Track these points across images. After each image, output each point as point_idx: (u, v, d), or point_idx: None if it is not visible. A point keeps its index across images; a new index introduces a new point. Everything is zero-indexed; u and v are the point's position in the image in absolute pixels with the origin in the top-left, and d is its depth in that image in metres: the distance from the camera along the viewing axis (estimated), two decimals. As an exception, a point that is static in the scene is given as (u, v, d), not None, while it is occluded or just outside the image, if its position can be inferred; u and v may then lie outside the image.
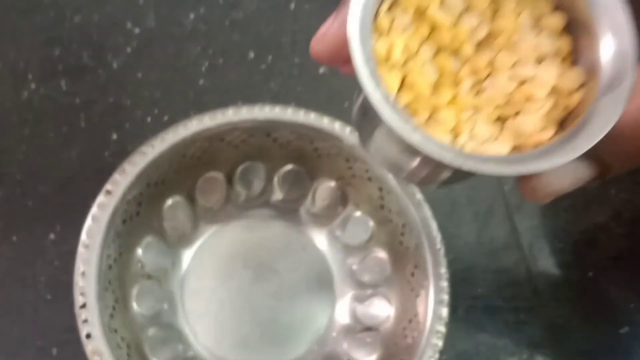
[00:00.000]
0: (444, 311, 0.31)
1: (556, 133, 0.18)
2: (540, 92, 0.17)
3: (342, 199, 0.37)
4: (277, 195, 0.37)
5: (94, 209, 0.30)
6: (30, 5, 0.42)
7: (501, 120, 0.18)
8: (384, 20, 0.18)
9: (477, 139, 0.18)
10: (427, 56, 0.18)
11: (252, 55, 0.43)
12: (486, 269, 0.39)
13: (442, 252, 0.32)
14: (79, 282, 0.28)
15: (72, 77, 0.41)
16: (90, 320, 0.27)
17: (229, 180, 0.37)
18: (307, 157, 0.36)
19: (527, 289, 0.39)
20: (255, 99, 0.41)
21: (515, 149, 0.18)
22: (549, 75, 0.18)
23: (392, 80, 0.18)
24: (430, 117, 0.18)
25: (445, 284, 0.31)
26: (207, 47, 0.42)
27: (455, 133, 0.18)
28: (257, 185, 0.37)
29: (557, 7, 0.18)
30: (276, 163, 0.37)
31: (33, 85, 0.40)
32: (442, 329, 0.30)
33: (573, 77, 0.18)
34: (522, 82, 0.18)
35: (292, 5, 0.44)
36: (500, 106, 0.18)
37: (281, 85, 0.42)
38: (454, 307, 0.32)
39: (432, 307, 0.31)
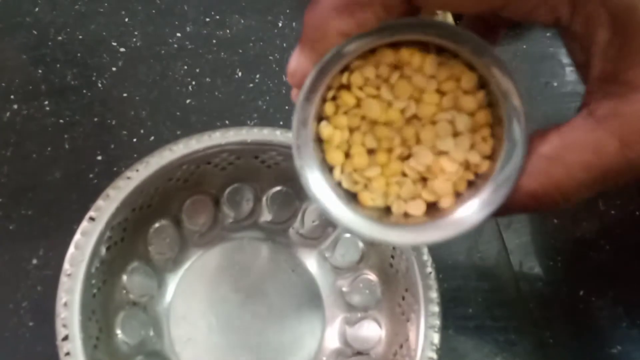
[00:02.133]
0: (436, 337, 0.30)
1: (462, 193, 0.21)
2: (451, 166, 0.21)
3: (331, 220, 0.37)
4: (266, 216, 0.37)
5: (77, 236, 0.29)
6: (13, 24, 0.42)
7: (423, 181, 0.22)
8: (329, 107, 0.21)
9: (402, 198, 0.21)
10: (365, 132, 0.21)
11: (239, 73, 0.42)
12: (476, 288, 0.39)
13: (432, 275, 0.32)
14: (61, 313, 0.27)
15: (55, 97, 0.40)
16: (73, 353, 0.27)
17: (216, 202, 0.36)
18: (295, 178, 0.35)
19: (517, 308, 0.39)
20: (242, 118, 0.41)
21: (432, 207, 0.21)
22: (460, 151, 0.21)
23: (337, 158, 0.21)
24: (366, 185, 0.22)
25: (436, 308, 0.31)
26: (193, 66, 0.42)
27: (386, 194, 0.22)
28: (245, 206, 0.36)
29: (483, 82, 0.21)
30: (264, 184, 0.36)
31: (15, 106, 0.39)
32: (434, 355, 0.30)
33: (482, 151, 0.21)
34: (440, 154, 0.21)
35: (280, 23, 0.44)
36: (421, 172, 0.21)
37: (269, 104, 0.42)
38: (444, 327, 0.32)
39: (423, 332, 0.31)
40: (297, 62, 0.20)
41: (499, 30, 0.23)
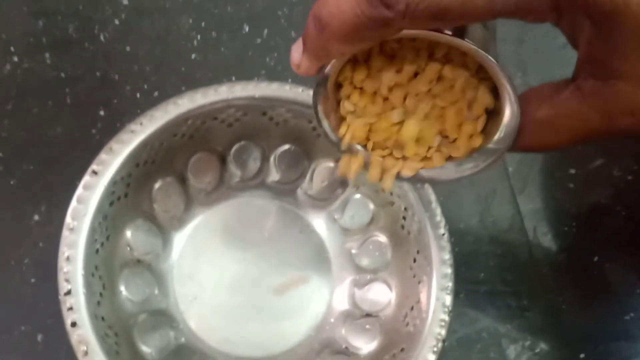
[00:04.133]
0: (448, 299, 0.29)
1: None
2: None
3: (341, 181, 0.36)
4: (274, 176, 0.36)
5: (80, 190, 0.28)
6: (12, -26, 0.40)
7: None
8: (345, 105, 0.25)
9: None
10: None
11: (246, 28, 0.41)
12: (488, 252, 0.38)
13: (446, 237, 0.31)
14: (63, 267, 0.27)
15: (57, 50, 0.39)
16: (75, 308, 0.26)
17: (223, 160, 0.35)
18: (304, 137, 0.35)
19: (530, 273, 0.38)
20: (250, 75, 0.40)
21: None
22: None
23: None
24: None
25: (449, 270, 0.30)
26: (199, 20, 0.41)
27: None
28: (253, 165, 0.35)
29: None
30: (272, 142, 0.35)
31: (16, 59, 0.38)
32: (445, 317, 0.29)
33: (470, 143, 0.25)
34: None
35: (289, -24, 0.42)
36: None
37: (277, 60, 0.40)
38: (455, 291, 0.31)
39: (435, 294, 0.30)
40: (301, 60, 0.22)
41: None
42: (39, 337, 0.33)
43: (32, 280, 0.34)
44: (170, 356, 0.30)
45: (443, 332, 0.29)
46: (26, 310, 0.33)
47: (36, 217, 0.35)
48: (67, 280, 0.26)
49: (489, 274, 0.37)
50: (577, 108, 0.21)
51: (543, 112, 0.22)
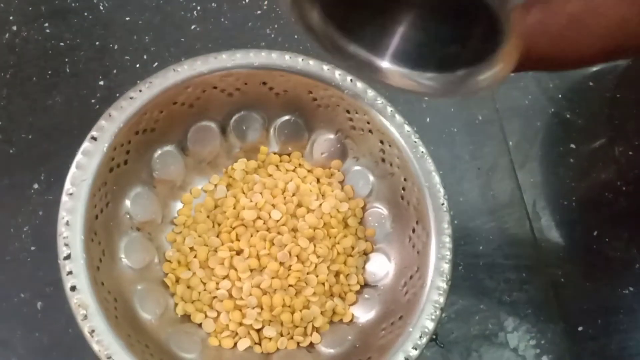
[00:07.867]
0: (446, 267, 0.29)
1: None
2: None
3: (341, 152, 0.35)
4: (273, 147, 0.36)
5: (79, 156, 0.28)
6: (10, -59, 0.40)
7: None
8: None
9: None
10: None
11: (247, -1, 0.41)
12: (488, 226, 0.38)
13: (445, 206, 0.31)
14: (63, 232, 0.27)
15: (56, 19, 0.39)
16: (75, 272, 0.26)
17: (223, 130, 0.35)
18: (305, 108, 0.34)
19: (529, 247, 0.38)
20: (249, 46, 0.39)
21: None
22: None
23: None
24: None
25: (447, 239, 0.30)
26: (199, -10, 0.40)
27: None
28: (253, 136, 0.35)
29: None
30: (272, 113, 0.35)
31: (15, 27, 0.38)
32: (443, 285, 0.29)
33: None
34: None
35: (291, -54, 0.42)
36: None
37: (278, 32, 0.40)
38: (454, 264, 0.31)
39: (434, 263, 0.30)
40: None
41: None
42: (39, 305, 0.33)
43: (32, 248, 0.34)
44: (169, 323, 0.30)
45: (441, 300, 0.29)
46: (26, 277, 0.33)
47: (35, 186, 0.35)
48: (66, 245, 0.26)
49: (488, 248, 0.37)
50: (614, 3, 0.17)
51: (574, 5, 0.17)
